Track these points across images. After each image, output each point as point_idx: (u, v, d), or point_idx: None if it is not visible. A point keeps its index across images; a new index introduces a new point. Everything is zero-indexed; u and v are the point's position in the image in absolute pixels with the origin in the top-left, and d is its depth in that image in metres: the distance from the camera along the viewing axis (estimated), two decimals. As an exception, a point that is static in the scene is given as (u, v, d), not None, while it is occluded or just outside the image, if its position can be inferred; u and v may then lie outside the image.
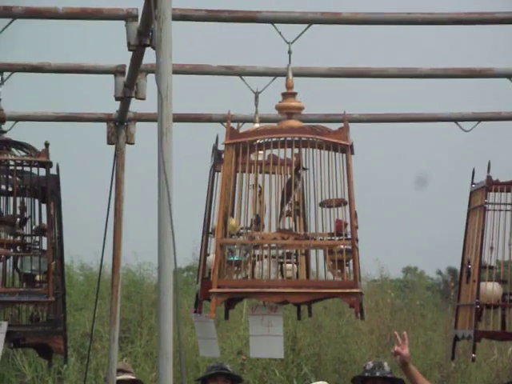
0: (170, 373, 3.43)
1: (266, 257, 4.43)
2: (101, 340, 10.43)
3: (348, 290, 4.28)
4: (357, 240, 4.37)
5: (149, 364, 10.18)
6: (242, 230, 4.41)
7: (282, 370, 10.47)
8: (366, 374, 5.40)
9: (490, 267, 5.29)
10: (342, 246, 4.35)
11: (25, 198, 4.70)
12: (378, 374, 5.37)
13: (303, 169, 4.46)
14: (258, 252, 4.42)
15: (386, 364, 5.28)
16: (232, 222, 4.39)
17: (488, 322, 5.24)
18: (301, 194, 4.54)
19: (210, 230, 4.74)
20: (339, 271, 4.32)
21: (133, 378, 5.48)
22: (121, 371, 5.44)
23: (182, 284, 11.76)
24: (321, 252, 4.38)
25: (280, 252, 4.39)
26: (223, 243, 4.35)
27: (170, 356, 3.43)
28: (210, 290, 4.32)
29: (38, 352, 4.98)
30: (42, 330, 4.68)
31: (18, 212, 4.73)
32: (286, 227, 4.40)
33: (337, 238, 4.37)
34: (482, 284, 5.25)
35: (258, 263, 4.43)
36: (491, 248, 5.26)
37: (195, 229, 4.80)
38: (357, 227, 4.36)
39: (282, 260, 4.42)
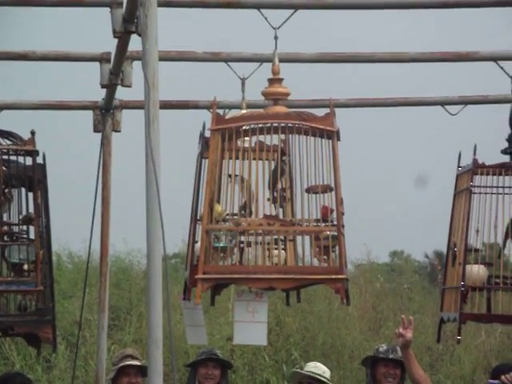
0: (159, 360, 3.44)
1: (257, 243, 4.44)
2: (89, 328, 10.44)
3: (334, 276, 4.30)
4: (343, 226, 4.39)
5: (139, 351, 10.17)
6: (228, 217, 4.41)
7: (272, 355, 10.50)
8: (381, 356, 5.44)
9: (476, 250, 5.31)
10: (328, 233, 4.36)
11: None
12: (391, 356, 5.42)
13: (287, 155, 4.47)
14: (248, 238, 4.43)
15: (398, 348, 5.32)
16: (218, 208, 4.39)
17: (474, 305, 5.27)
18: (288, 180, 4.55)
19: (198, 217, 4.75)
20: (325, 257, 4.33)
21: (141, 364, 5.49)
22: (129, 357, 5.45)
23: (171, 271, 11.76)
24: (307, 238, 4.39)
25: (268, 238, 4.40)
26: (209, 229, 4.36)
27: (159, 343, 3.44)
28: (196, 276, 4.33)
29: (26, 341, 4.98)
30: (31, 320, 4.68)
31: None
32: (273, 213, 4.41)
33: (323, 225, 4.38)
34: (468, 267, 5.27)
35: (246, 249, 4.44)
36: (477, 231, 5.28)
37: (184, 215, 4.80)
38: (343, 213, 4.37)
39: (270, 246, 4.43)
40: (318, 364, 5.72)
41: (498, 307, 5.22)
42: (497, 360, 10.14)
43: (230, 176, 4.36)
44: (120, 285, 11.49)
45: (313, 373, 5.60)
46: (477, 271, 5.24)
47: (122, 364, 5.41)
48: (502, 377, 4.90)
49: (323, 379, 5.62)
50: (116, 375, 5.41)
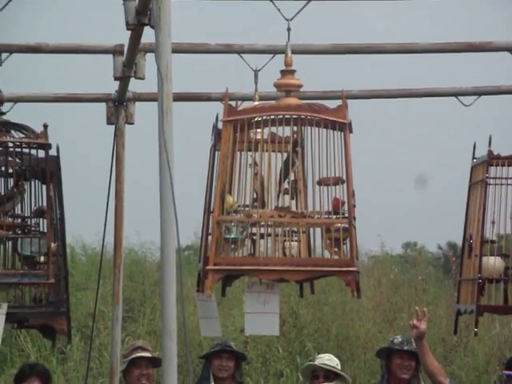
0: (174, 351, 3.44)
1: (269, 235, 4.43)
2: (104, 320, 10.47)
3: (345, 269, 4.29)
4: (354, 218, 4.38)
5: (152, 343, 10.19)
6: (239, 208, 4.41)
7: (285, 347, 10.51)
8: (396, 347, 5.44)
9: (492, 241, 5.29)
10: (339, 225, 4.34)
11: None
12: (406, 348, 5.41)
13: (300, 146, 4.46)
14: (259, 230, 4.42)
15: (413, 340, 5.31)
16: (229, 199, 4.39)
17: (490, 297, 5.25)
18: (300, 171, 4.54)
19: (212, 209, 4.74)
20: (336, 249, 4.32)
21: (151, 355, 5.50)
22: (140, 348, 5.47)
23: (184, 263, 11.77)
24: (318, 230, 4.38)
25: (280, 230, 4.39)
26: (220, 221, 4.36)
27: (174, 335, 3.44)
28: (206, 267, 4.33)
29: (41, 333, 5.00)
30: (46, 312, 4.70)
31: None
32: (285, 205, 4.40)
33: (334, 217, 4.37)
34: (484, 258, 5.25)
35: (257, 241, 4.43)
36: (493, 222, 5.26)
37: (197, 207, 4.80)
38: (354, 206, 4.36)
39: (281, 238, 4.42)
40: (331, 356, 5.72)
41: (514, 299, 5.20)
42: (511, 351, 10.11)
43: (252, 164, 4.35)
44: (133, 277, 11.51)
45: (327, 365, 5.60)
46: (493, 263, 5.23)
47: (132, 356, 5.43)
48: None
49: (337, 371, 5.62)
50: (127, 367, 5.43)
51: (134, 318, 10.93)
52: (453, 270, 11.77)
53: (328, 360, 5.63)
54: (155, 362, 5.48)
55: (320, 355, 5.80)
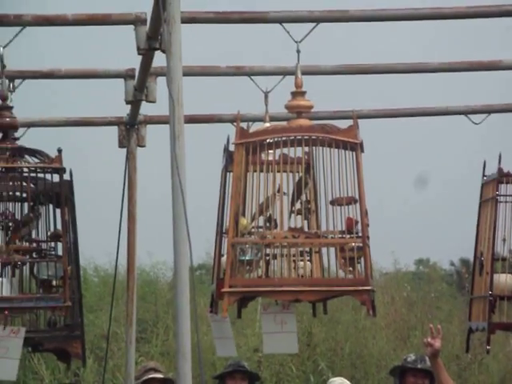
0: (188, 372, 3.46)
1: (282, 255, 4.45)
2: (117, 341, 10.48)
3: (360, 288, 4.30)
4: (368, 237, 4.39)
5: (166, 364, 10.22)
6: (253, 229, 4.43)
7: (299, 366, 10.49)
8: (409, 366, 5.43)
9: (503, 259, 5.30)
10: (353, 244, 4.36)
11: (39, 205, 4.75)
12: (419, 366, 5.40)
13: (312, 168, 4.49)
14: (273, 251, 4.44)
15: (427, 358, 5.31)
16: (243, 221, 4.42)
17: (502, 314, 5.25)
18: (313, 192, 4.56)
19: (224, 230, 4.77)
20: (351, 269, 4.34)
21: (164, 376, 5.51)
22: (152, 370, 5.47)
23: (196, 283, 11.78)
24: (332, 250, 4.40)
25: (293, 250, 4.41)
26: (234, 243, 4.38)
27: (188, 355, 3.46)
28: (222, 290, 4.35)
29: (56, 356, 5.02)
30: (60, 335, 4.71)
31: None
32: (298, 226, 4.42)
33: (348, 236, 4.39)
34: (496, 276, 5.25)
35: (272, 262, 4.45)
36: (504, 240, 5.27)
37: (209, 227, 4.83)
38: (368, 225, 4.38)
39: (295, 258, 4.44)
40: (343, 379, 5.72)
41: (526, 315, 5.20)
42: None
43: (278, 191, 4.39)
44: (146, 298, 11.53)
45: None
46: (504, 280, 5.23)
47: (145, 377, 5.43)
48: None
49: None
50: (140, 389, 5.43)
51: (148, 339, 10.94)
52: (466, 287, 11.75)
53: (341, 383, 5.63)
54: (168, 383, 5.49)
55: (332, 379, 5.80)
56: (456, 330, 10.81)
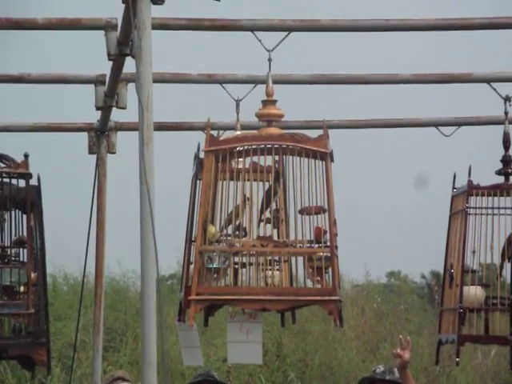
0: (154, 381, 3.42)
1: (251, 264, 4.43)
2: (85, 350, 10.39)
3: (327, 298, 4.29)
4: (336, 247, 4.39)
5: (134, 373, 10.14)
6: (221, 238, 4.41)
7: (268, 377, 10.46)
8: (378, 377, 5.43)
9: (473, 271, 5.31)
10: (321, 254, 4.35)
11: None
12: (388, 377, 5.41)
13: (282, 176, 4.48)
14: (242, 259, 4.42)
15: (395, 370, 5.31)
16: (212, 229, 4.39)
17: (471, 326, 5.26)
18: (282, 200, 4.55)
19: (193, 238, 4.75)
20: (318, 278, 4.32)
21: None
22: (120, 379, 5.44)
23: (167, 292, 11.74)
24: (300, 259, 4.39)
25: (262, 259, 4.40)
26: (202, 250, 4.36)
27: (153, 365, 3.43)
28: (189, 298, 4.32)
29: (20, 364, 4.96)
30: (25, 342, 4.66)
31: None
32: (267, 234, 4.41)
33: (316, 246, 4.38)
34: (465, 288, 5.26)
35: (240, 270, 4.43)
36: (473, 252, 5.28)
37: (179, 236, 4.80)
38: (336, 234, 4.37)
39: (263, 267, 4.42)
40: None
41: (495, 328, 5.21)
42: (493, 381, 10.12)
43: (247, 199, 4.37)
44: (115, 306, 11.45)
45: None
46: (474, 292, 5.24)
47: None
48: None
49: None
50: (107, 398, 5.39)
51: (116, 348, 10.87)
52: (436, 300, 11.78)
53: None
54: None
55: None
56: (425, 342, 10.83)
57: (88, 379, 9.88)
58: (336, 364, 10.65)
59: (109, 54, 4.18)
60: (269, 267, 4.46)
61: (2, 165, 4.66)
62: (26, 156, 4.68)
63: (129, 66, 4.37)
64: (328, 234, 4.37)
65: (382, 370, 5.49)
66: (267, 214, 4.49)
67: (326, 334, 10.91)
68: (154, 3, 3.68)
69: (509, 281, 5.09)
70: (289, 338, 10.76)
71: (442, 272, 5.61)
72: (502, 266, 5.28)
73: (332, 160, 4.41)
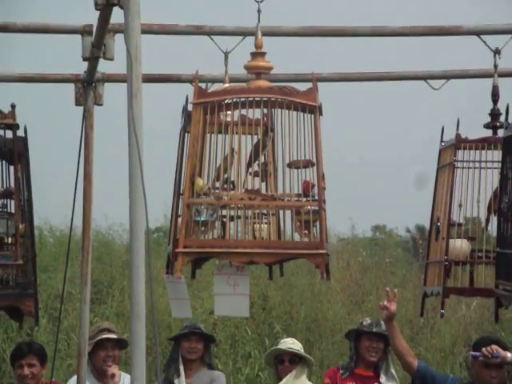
0: (142, 333, 3.43)
1: (239, 217, 4.44)
2: (72, 301, 10.43)
3: (314, 251, 4.31)
4: (324, 201, 4.39)
5: (121, 324, 10.20)
6: (209, 190, 4.41)
7: (254, 329, 10.54)
8: (365, 329, 5.48)
9: (459, 224, 5.34)
10: (309, 207, 4.36)
11: None
12: (375, 330, 5.46)
13: (271, 130, 4.46)
14: (229, 212, 4.42)
15: (382, 322, 5.35)
16: (199, 182, 4.39)
17: (456, 279, 5.30)
18: (271, 154, 4.54)
19: (181, 191, 4.74)
20: (306, 232, 4.34)
21: (117, 337, 5.50)
22: (106, 330, 5.47)
23: (154, 245, 11.76)
24: (288, 213, 4.40)
25: (250, 212, 4.40)
26: (190, 203, 4.36)
27: (142, 317, 3.43)
28: (176, 250, 4.33)
29: (8, 314, 4.97)
30: (13, 293, 4.67)
31: None
32: (255, 188, 4.40)
33: (304, 199, 4.38)
34: (451, 241, 5.30)
35: (228, 224, 4.43)
36: (460, 205, 5.31)
37: (166, 190, 4.80)
38: (324, 188, 4.38)
39: (251, 221, 4.43)
40: (294, 340, 5.77)
41: (480, 281, 5.26)
42: (476, 333, 10.23)
43: (235, 152, 4.36)
44: (102, 259, 11.48)
45: (292, 349, 5.64)
46: (460, 245, 5.28)
47: (98, 338, 5.42)
48: (483, 349, 4.95)
49: (302, 354, 5.66)
50: (93, 349, 5.42)
51: (103, 300, 10.91)
52: (420, 253, 11.86)
53: (292, 344, 5.67)
54: (121, 344, 5.48)
55: (283, 340, 5.84)
56: (410, 295, 10.92)
57: (75, 330, 9.93)
58: (321, 317, 10.74)
59: (96, 4, 4.12)
60: (257, 220, 4.46)
61: (-12, 116, 4.62)
62: (13, 106, 4.64)
63: (116, 16, 4.31)
64: (316, 188, 4.37)
65: (369, 322, 5.55)
66: (255, 168, 4.49)
67: (312, 287, 10.99)
68: (143, -48, 3.62)
69: (494, 234, 5.12)
70: (275, 290, 10.82)
71: (426, 226, 5.64)
72: (487, 220, 5.31)
73: (321, 113, 4.39)
